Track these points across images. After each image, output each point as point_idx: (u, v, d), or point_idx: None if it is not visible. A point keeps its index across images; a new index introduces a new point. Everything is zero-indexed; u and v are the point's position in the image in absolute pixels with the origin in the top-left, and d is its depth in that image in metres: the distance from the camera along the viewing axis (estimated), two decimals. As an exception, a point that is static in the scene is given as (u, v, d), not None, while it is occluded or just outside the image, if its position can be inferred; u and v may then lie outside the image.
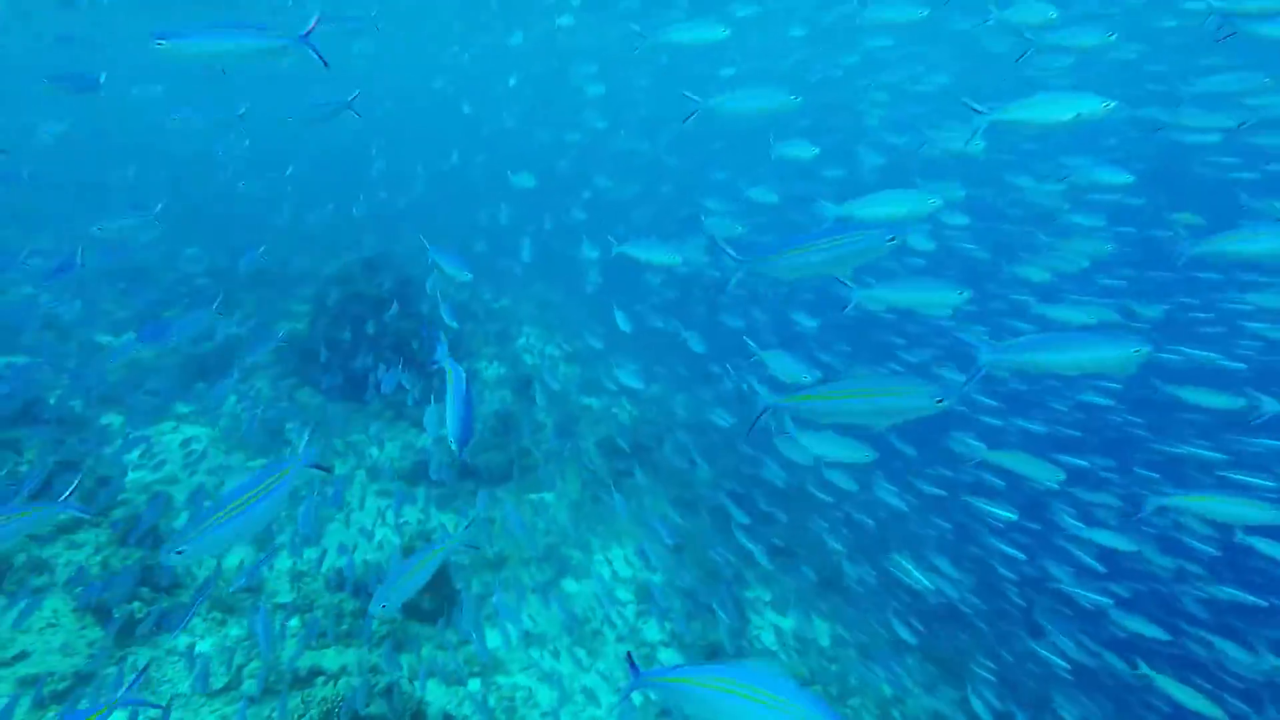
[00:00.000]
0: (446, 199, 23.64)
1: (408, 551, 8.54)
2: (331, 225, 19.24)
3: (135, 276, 14.59)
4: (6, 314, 11.53)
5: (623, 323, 12.24)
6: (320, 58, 5.77)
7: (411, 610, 8.18)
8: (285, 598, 8.09)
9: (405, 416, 11.81)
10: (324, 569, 8.45)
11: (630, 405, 14.48)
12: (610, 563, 10.40)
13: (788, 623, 10.31)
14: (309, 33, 5.68)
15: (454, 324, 10.36)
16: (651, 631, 9.49)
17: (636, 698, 7.85)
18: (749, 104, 7.95)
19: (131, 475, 9.25)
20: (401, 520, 9.82)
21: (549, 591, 9.47)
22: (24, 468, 8.18)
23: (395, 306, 12.02)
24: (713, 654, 9.23)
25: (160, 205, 9.59)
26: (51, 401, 10.14)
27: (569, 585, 9.88)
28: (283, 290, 14.83)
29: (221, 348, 12.00)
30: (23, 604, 6.67)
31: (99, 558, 7.57)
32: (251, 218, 19.21)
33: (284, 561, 8.53)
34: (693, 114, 7.93)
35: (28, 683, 6.28)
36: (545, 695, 8.01)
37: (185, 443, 10.19)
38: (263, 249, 11.83)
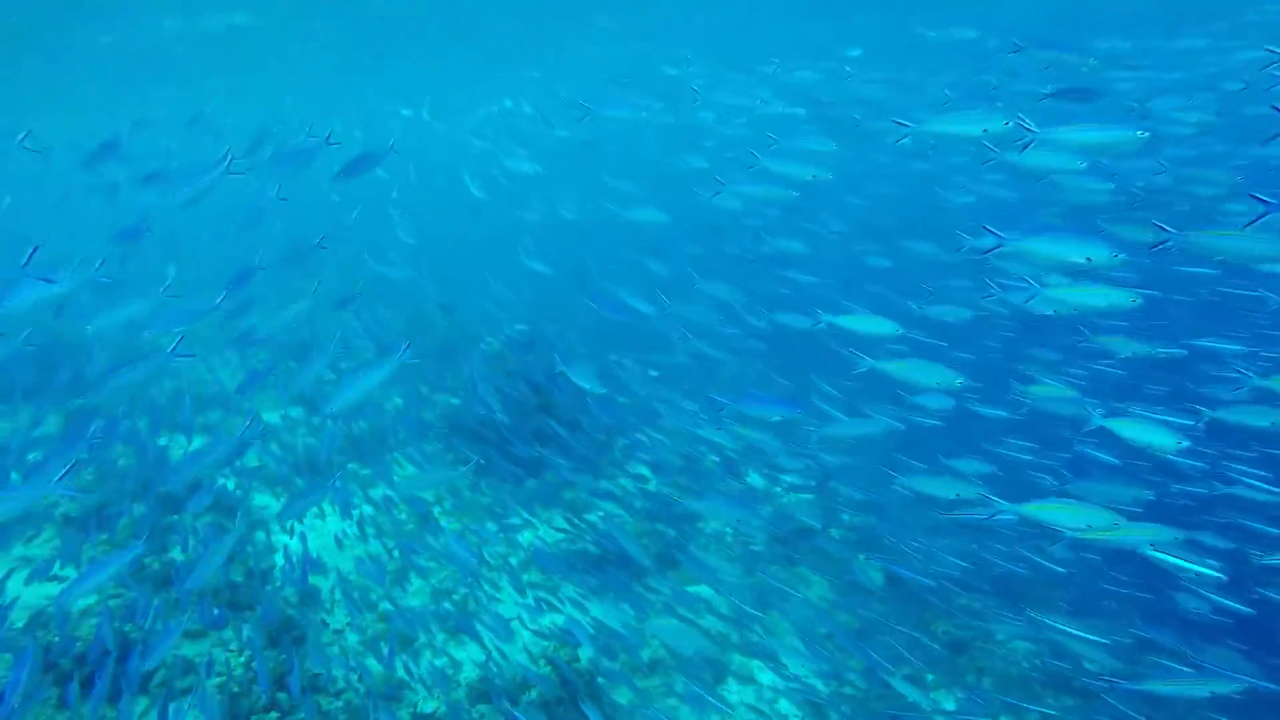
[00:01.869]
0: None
1: (554, 664, 7.89)
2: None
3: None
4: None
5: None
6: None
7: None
8: (427, 706, 7.63)
9: (559, 501, 11.30)
10: (464, 675, 7.95)
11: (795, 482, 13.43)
12: (773, 667, 9.38)
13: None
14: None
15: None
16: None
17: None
18: None
19: (279, 563, 9.15)
20: (544, 616, 9.21)
21: (705, 703, 8.57)
22: (174, 555, 8.16)
23: (551, 385, 11.63)
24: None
25: None
26: (220, 483, 10.30)
27: (728, 693, 8.96)
28: (438, 361, 14.82)
29: (378, 425, 11.99)
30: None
31: (243, 659, 7.35)
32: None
33: (423, 663, 8.10)
34: None
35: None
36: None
37: (333, 531, 10.06)
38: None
